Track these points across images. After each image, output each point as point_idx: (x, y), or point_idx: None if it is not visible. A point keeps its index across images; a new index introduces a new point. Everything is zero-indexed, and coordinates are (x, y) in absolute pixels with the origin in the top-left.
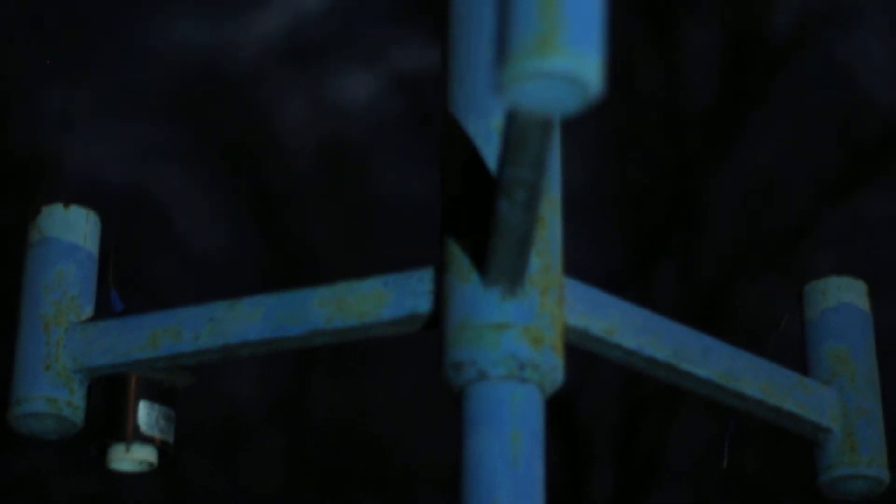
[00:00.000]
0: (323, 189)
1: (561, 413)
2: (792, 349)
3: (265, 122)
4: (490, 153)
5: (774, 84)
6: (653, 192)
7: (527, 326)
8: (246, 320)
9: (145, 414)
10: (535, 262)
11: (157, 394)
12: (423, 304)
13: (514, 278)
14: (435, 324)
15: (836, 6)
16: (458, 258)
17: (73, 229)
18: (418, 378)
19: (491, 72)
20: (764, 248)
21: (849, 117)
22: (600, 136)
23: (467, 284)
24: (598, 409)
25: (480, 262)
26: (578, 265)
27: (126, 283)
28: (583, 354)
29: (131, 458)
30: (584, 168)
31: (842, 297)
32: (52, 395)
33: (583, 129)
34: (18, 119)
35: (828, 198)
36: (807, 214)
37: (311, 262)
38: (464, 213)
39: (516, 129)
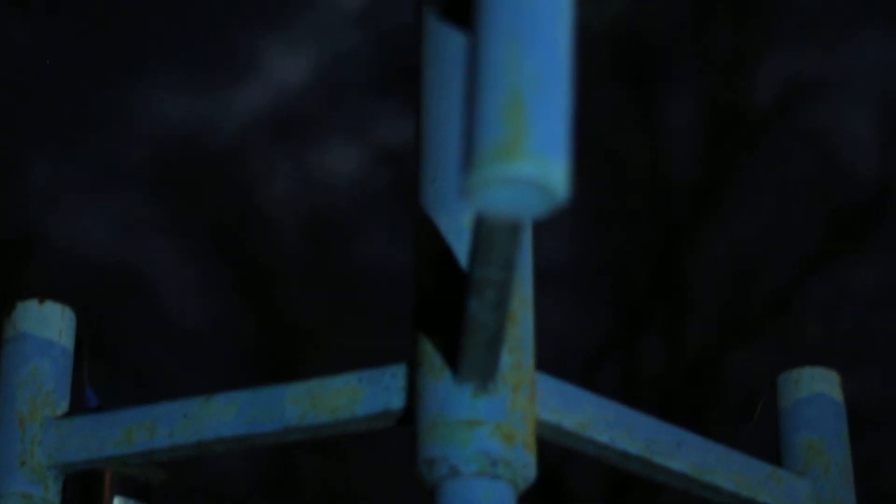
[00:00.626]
0: (309, 263)
1: (548, 488)
2: (766, 439)
3: (249, 196)
4: (461, 250)
5: (756, 155)
6: (637, 264)
7: (499, 423)
8: (220, 416)
9: None
10: (507, 359)
11: (131, 489)
12: (397, 401)
13: (485, 375)
14: (408, 420)
15: (817, 77)
16: (431, 355)
17: (48, 325)
18: (398, 469)
19: (460, 173)
20: (749, 318)
21: (830, 188)
22: (584, 207)
23: (440, 381)
24: (584, 484)
25: (452, 359)
26: (563, 336)
27: (109, 366)
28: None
29: None
30: (569, 239)
31: (815, 387)
32: (27, 491)
33: (570, 206)
34: (0, 194)
35: (811, 268)
36: (790, 285)
37: (297, 337)
38: (436, 310)
39: (484, 231)
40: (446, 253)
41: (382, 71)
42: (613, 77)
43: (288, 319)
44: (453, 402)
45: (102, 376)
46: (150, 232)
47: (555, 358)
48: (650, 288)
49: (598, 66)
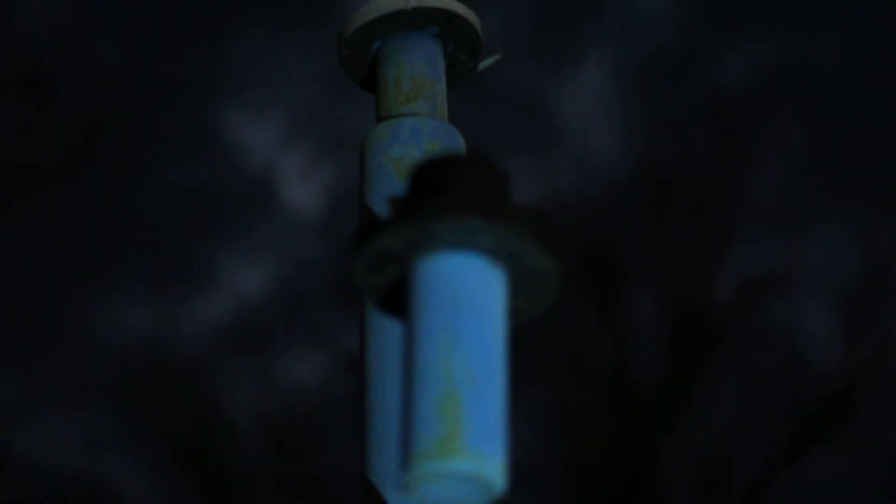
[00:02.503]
0: (274, 469)
1: None
2: None
3: (213, 405)
4: None
5: (719, 351)
6: (605, 464)
7: None
8: None
9: None
10: None
11: None
12: None
13: None
14: None
15: (773, 275)
16: None
17: None
18: None
19: (400, 466)
20: None
21: (795, 383)
22: (552, 410)
23: None
24: None
25: None
26: None
27: None
28: None
29: None
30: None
31: None
32: None
33: (534, 405)
34: None
35: (778, 461)
36: (759, 480)
37: None
38: None
39: None
40: None
41: (343, 280)
42: (576, 278)
43: None
44: None
45: None
46: (114, 443)
47: None
48: (620, 485)
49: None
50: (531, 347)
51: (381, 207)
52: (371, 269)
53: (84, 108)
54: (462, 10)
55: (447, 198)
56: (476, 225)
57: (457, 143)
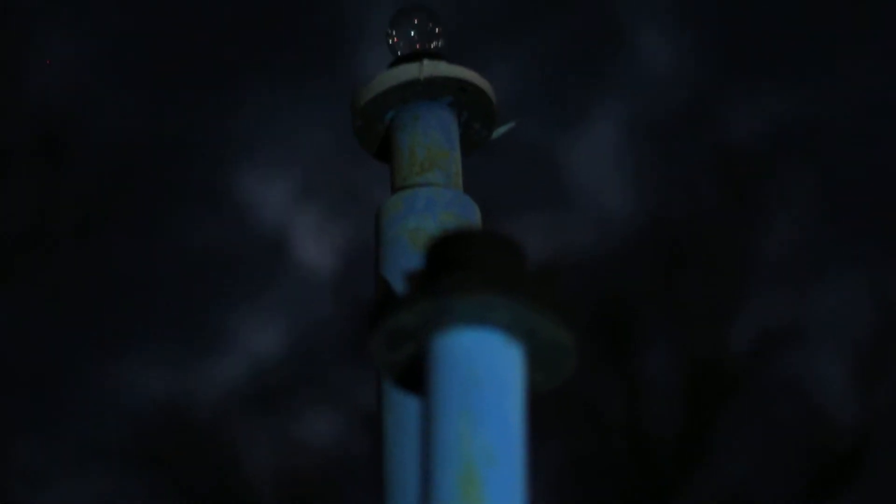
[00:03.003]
0: None
1: None
2: None
3: (229, 464)
4: None
5: (735, 404)
6: None
7: None
8: None
9: None
10: None
11: None
12: None
13: None
14: None
15: (789, 324)
16: None
17: None
18: None
19: None
20: None
21: (811, 434)
22: (570, 465)
23: None
24: None
25: None
26: None
27: None
28: None
29: None
30: (555, 497)
31: None
32: None
33: (550, 460)
34: None
35: None
36: None
37: None
38: None
39: None
40: None
41: (358, 337)
42: (592, 332)
43: None
44: None
45: None
46: None
47: None
48: None
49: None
50: (545, 403)
51: (397, 279)
52: (389, 346)
53: (98, 170)
54: (476, 79)
55: (463, 273)
56: (492, 300)
57: (472, 213)
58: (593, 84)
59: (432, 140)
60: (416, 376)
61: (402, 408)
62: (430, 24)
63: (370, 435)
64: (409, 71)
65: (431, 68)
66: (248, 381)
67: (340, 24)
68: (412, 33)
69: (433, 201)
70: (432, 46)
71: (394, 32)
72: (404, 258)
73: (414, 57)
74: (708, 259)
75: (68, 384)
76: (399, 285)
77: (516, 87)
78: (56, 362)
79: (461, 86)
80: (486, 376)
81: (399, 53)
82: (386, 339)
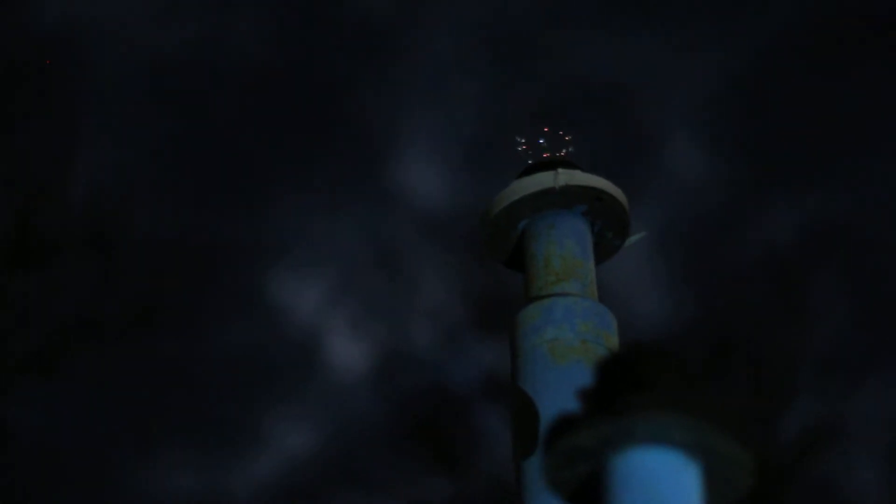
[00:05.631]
0: None
1: None
2: None
3: None
4: None
5: (780, 500)
6: None
7: None
8: None
9: None
10: None
11: None
12: None
13: None
14: None
15: (830, 426)
16: None
17: None
18: None
19: None
20: None
21: None
22: None
23: None
24: None
25: None
26: None
27: None
28: None
29: None
30: None
31: None
32: None
33: None
34: None
35: None
36: None
37: None
38: None
39: None
40: None
41: (397, 431)
42: None
43: None
44: None
45: None
46: None
47: None
48: None
49: None
50: None
51: (534, 388)
52: (564, 464)
53: (144, 271)
54: (611, 188)
55: (641, 393)
56: (673, 421)
57: (610, 324)
58: (628, 192)
59: (568, 249)
60: (588, 495)
61: None
62: (560, 133)
63: None
64: (544, 180)
65: (567, 177)
66: (280, 477)
67: (369, 132)
68: (542, 141)
69: (571, 311)
70: (562, 154)
71: (523, 140)
72: (542, 367)
73: (547, 165)
74: (752, 358)
75: (103, 480)
76: (538, 395)
77: None
78: (91, 456)
79: (597, 195)
80: (667, 495)
81: (529, 161)
82: (561, 458)
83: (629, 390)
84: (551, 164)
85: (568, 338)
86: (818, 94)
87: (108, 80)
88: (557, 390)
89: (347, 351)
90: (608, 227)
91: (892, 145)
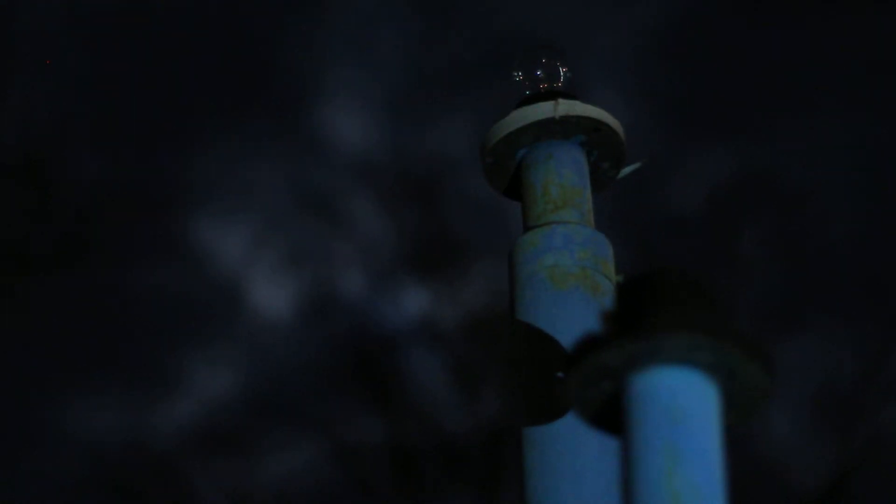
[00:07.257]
0: None
1: None
2: None
3: (189, 496)
4: None
5: None
6: None
7: None
8: None
9: None
10: None
11: None
12: None
13: None
14: None
15: None
16: None
17: None
18: None
19: None
20: None
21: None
22: None
23: None
24: None
25: None
26: None
27: None
28: None
29: None
30: None
31: None
32: None
33: None
34: None
35: None
36: None
37: None
38: None
39: None
40: None
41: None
42: None
43: None
44: None
45: None
46: None
47: None
48: None
49: None
50: None
51: (534, 314)
52: (586, 384)
53: (73, 202)
54: (609, 119)
55: (668, 314)
56: (698, 341)
57: (607, 251)
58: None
59: (566, 178)
60: (610, 415)
61: (546, 444)
62: (558, 64)
63: (344, 467)
64: (543, 110)
65: (567, 107)
66: (204, 422)
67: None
68: (539, 72)
69: (570, 239)
70: (558, 85)
71: (520, 71)
72: (542, 294)
73: (546, 96)
74: None
75: (25, 418)
76: (537, 321)
77: None
78: (17, 391)
79: (595, 125)
80: (689, 415)
81: (526, 92)
82: (584, 378)
83: (656, 311)
84: (551, 95)
85: (567, 264)
86: (749, 46)
87: (42, 20)
88: (557, 316)
89: (274, 294)
90: (604, 157)
91: (818, 97)
